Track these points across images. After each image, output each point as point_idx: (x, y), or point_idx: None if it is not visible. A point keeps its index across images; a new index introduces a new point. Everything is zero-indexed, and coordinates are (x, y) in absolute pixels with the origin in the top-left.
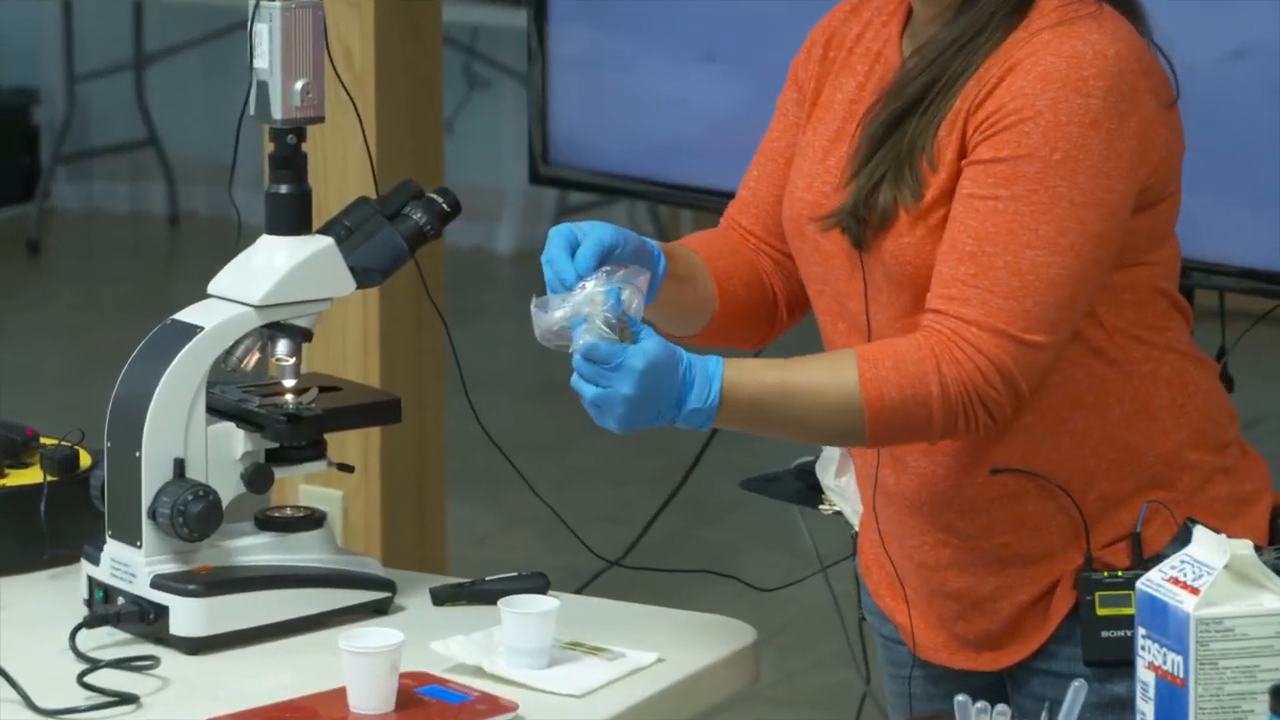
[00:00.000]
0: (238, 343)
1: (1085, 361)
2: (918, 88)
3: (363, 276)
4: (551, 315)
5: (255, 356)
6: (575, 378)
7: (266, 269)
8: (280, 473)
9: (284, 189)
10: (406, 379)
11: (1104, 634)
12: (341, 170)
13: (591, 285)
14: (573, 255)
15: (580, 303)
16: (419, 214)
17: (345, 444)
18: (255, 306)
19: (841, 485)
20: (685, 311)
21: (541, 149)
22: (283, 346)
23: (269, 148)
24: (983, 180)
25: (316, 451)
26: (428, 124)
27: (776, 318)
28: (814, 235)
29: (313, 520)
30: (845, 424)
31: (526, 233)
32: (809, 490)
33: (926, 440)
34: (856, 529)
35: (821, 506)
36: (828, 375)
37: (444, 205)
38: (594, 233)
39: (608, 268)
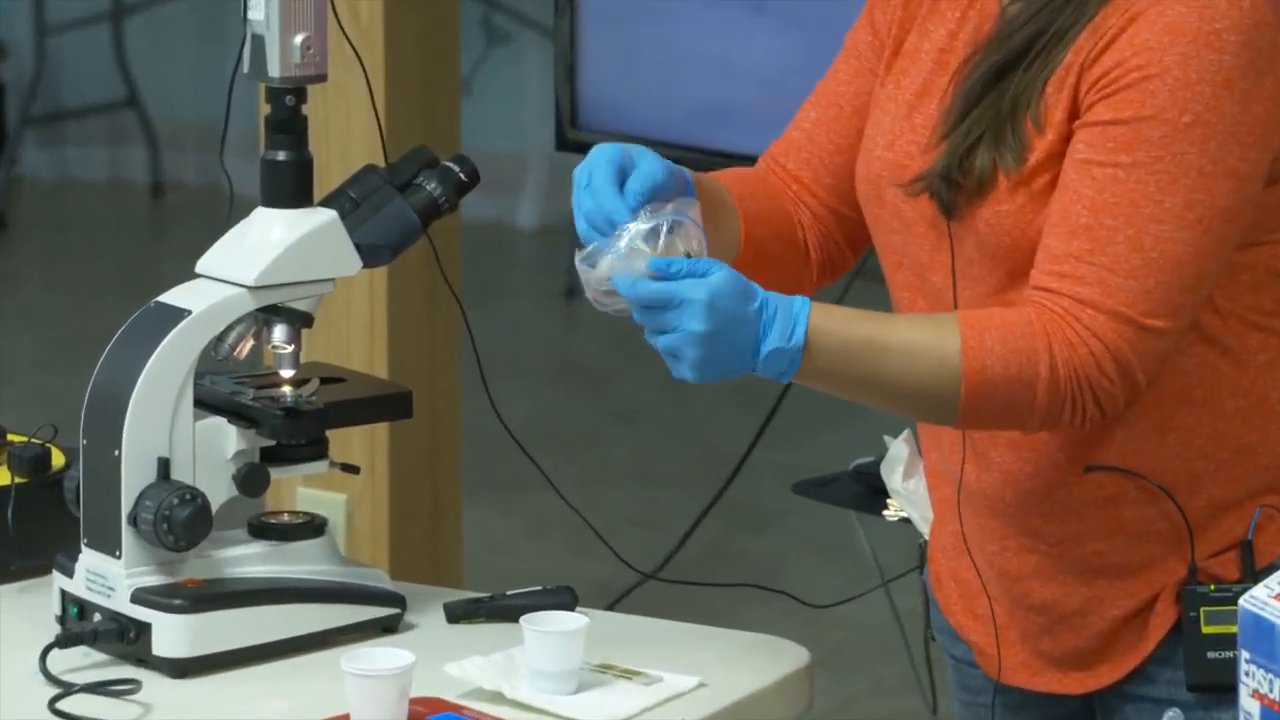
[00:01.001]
0: (229, 328)
1: (1196, 350)
2: (1022, 39)
3: (370, 254)
4: (599, 270)
5: (249, 344)
6: (648, 331)
7: (262, 245)
8: (277, 474)
9: (282, 156)
10: (418, 369)
11: (1210, 655)
12: (346, 135)
13: (636, 227)
14: (620, 187)
15: (629, 251)
16: (432, 184)
17: (350, 442)
18: (249, 288)
19: (910, 488)
20: (714, 236)
21: (569, 111)
22: (280, 333)
23: (265, 110)
24: (1100, 144)
25: (317, 450)
26: (442, 83)
27: (805, 277)
28: (894, 200)
29: (313, 527)
30: (937, 394)
31: (551, 206)
32: (869, 494)
33: (1022, 429)
34: (925, 537)
35: (886, 512)
36: (926, 336)
37: (460, 174)
38: (645, 163)
39: (651, 205)
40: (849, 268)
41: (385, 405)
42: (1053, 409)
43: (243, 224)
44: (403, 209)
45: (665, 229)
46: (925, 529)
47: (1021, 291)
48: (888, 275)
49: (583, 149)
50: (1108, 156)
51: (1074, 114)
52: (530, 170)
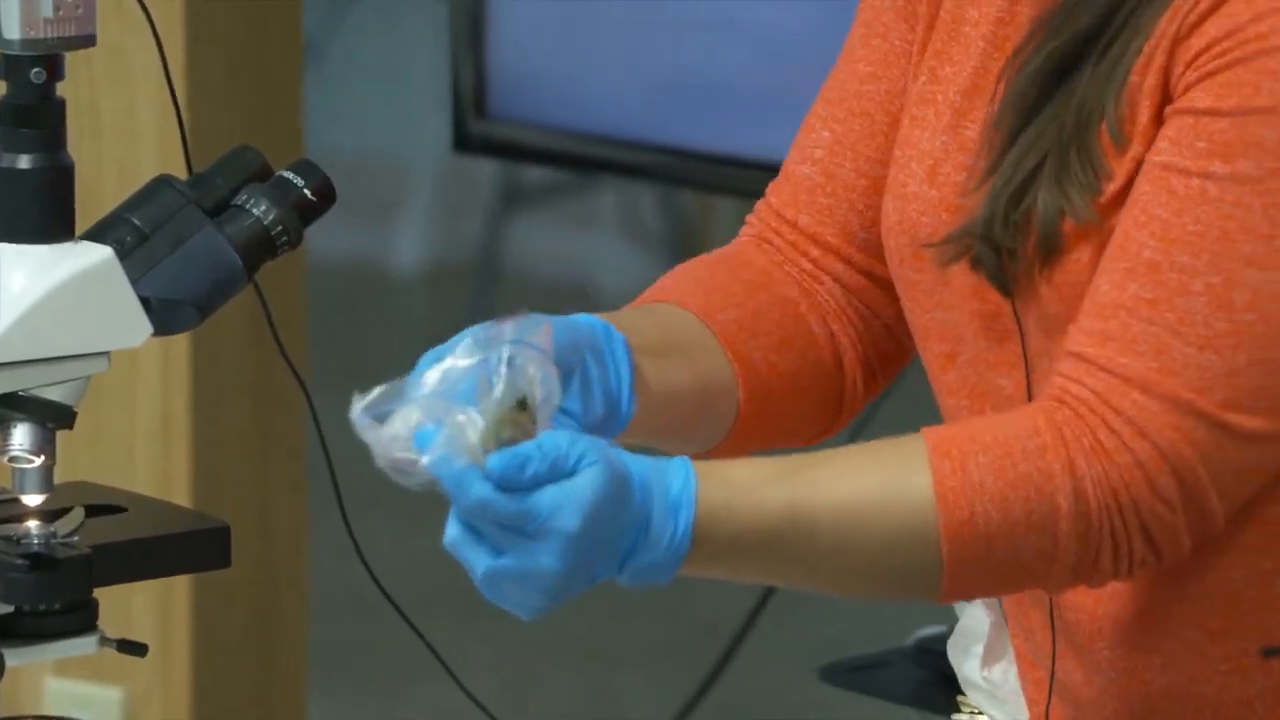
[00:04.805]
0: None
1: None
2: (1092, 15)
3: (165, 314)
4: (392, 426)
5: None
6: (453, 533)
7: None
8: (15, 658)
9: (24, 162)
10: (241, 492)
11: None
12: (127, 130)
13: (453, 363)
14: None
15: (437, 403)
16: (262, 206)
17: (131, 607)
18: None
19: (994, 679)
20: (681, 418)
21: (474, 95)
22: (21, 436)
23: None
24: (1188, 143)
25: (80, 620)
26: (278, 54)
27: (845, 390)
28: (933, 268)
29: None
30: (905, 565)
31: (446, 236)
32: (940, 684)
33: (1042, 588)
34: None
35: (957, 716)
36: (877, 483)
37: (305, 191)
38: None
39: (480, 331)
40: (907, 360)
41: (187, 549)
42: (1084, 558)
43: None
44: (216, 244)
45: (501, 367)
46: None
47: None
48: (933, 376)
49: (493, 150)
50: (1196, 162)
51: (1164, 105)
52: (413, 183)
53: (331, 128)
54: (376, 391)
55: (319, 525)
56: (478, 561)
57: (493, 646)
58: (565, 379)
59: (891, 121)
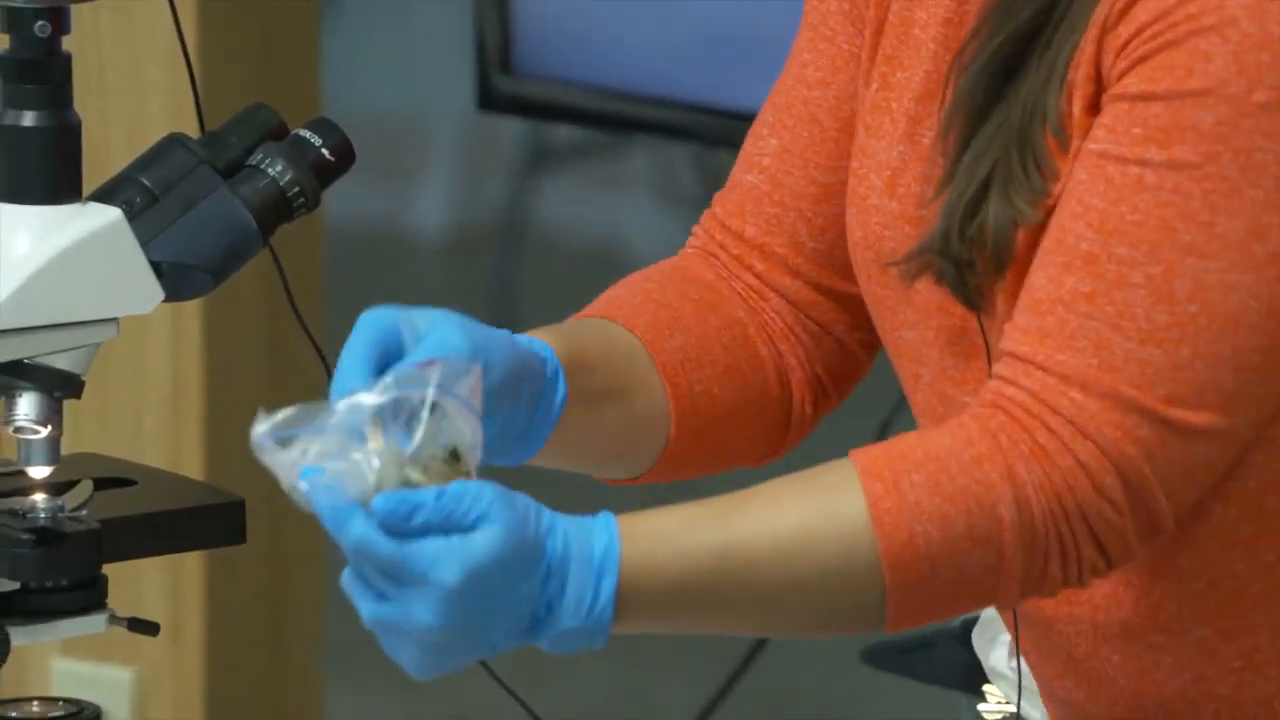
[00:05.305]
0: None
1: None
2: (1031, 9)
3: (177, 279)
4: (290, 453)
5: None
6: (346, 574)
7: None
8: (21, 637)
9: (28, 120)
10: (256, 465)
11: None
12: (136, 86)
13: (365, 399)
14: (380, 363)
15: (337, 437)
16: (278, 166)
17: (141, 584)
18: None
19: (1020, 669)
20: (610, 445)
21: (499, 49)
22: (27, 406)
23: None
24: (1123, 130)
25: (89, 598)
26: (294, 5)
27: (792, 413)
28: (898, 284)
29: None
30: (845, 597)
31: (472, 197)
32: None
33: (993, 604)
34: None
35: (983, 706)
36: (805, 514)
37: (323, 150)
38: (436, 335)
39: (402, 372)
40: (862, 374)
41: (200, 524)
42: (1032, 568)
43: None
44: (230, 206)
45: (424, 411)
46: None
47: None
48: (909, 397)
49: (519, 108)
50: (1132, 149)
51: (1099, 99)
52: (435, 143)
53: (350, 85)
54: (284, 413)
55: None
56: (363, 606)
57: None
58: (492, 404)
59: (841, 127)
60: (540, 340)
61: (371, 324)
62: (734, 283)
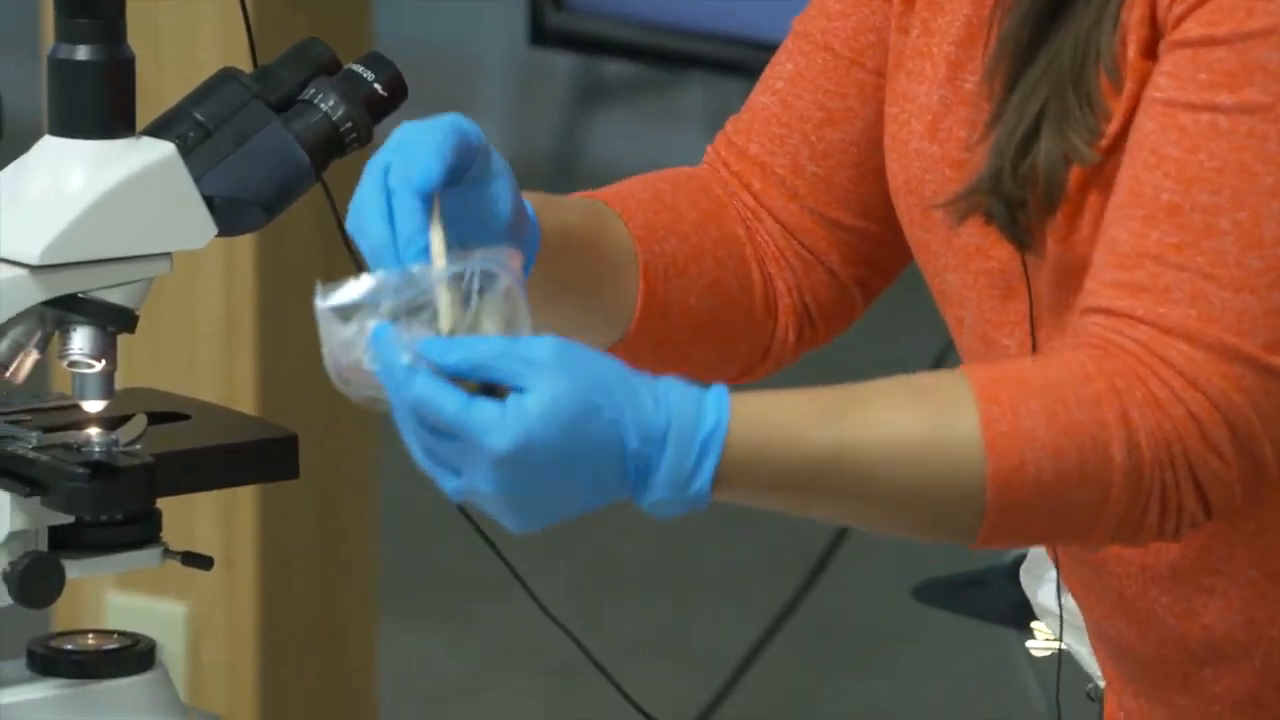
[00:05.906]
0: None
1: None
2: None
3: (230, 214)
4: (345, 331)
5: (31, 358)
6: (417, 449)
7: (51, 200)
8: (76, 570)
9: (82, 53)
10: (308, 401)
11: None
12: (188, 22)
13: (426, 268)
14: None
15: (409, 295)
16: (330, 101)
17: (194, 519)
18: (31, 268)
19: (1069, 606)
20: (564, 330)
21: None
22: (82, 341)
23: None
24: (1189, 77)
25: (142, 532)
26: None
27: (774, 341)
28: (941, 228)
29: (134, 657)
30: (942, 510)
31: (523, 133)
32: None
33: (1082, 545)
34: (1101, 682)
35: (1031, 643)
36: (919, 426)
37: (375, 85)
38: (412, 166)
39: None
40: (856, 313)
41: (253, 459)
42: (1132, 513)
43: (17, 164)
44: (283, 141)
45: (475, 281)
46: (1097, 668)
47: None
48: (955, 340)
49: (570, 44)
50: (1200, 95)
51: (1154, 43)
52: (487, 78)
53: (402, 19)
54: (344, 286)
55: (391, 435)
56: (444, 482)
57: (572, 566)
58: None
59: (854, 58)
60: (531, 207)
61: (371, 173)
62: (734, 202)
